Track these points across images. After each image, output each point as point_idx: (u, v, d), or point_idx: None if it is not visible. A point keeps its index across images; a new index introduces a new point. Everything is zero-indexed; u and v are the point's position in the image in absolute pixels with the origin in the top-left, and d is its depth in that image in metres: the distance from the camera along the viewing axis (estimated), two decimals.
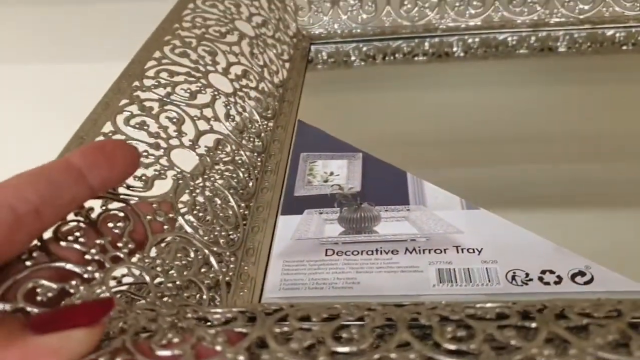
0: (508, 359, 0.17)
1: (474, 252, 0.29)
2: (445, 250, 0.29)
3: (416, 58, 0.52)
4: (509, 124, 0.41)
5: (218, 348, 0.19)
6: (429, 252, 0.29)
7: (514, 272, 0.28)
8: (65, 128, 0.30)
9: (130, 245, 0.25)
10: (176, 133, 0.32)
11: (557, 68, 0.48)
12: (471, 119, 0.41)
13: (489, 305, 0.20)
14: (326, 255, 0.30)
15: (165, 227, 0.27)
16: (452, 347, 0.18)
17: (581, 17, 0.51)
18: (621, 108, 0.41)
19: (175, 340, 0.19)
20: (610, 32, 0.50)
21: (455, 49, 0.52)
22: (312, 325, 0.20)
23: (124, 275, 0.26)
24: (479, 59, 0.51)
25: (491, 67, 0.50)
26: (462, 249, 0.29)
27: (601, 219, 0.32)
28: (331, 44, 0.53)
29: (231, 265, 0.29)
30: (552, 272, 0.28)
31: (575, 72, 0.47)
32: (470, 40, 0.52)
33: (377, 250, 0.30)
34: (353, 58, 0.52)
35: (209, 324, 0.21)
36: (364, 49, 0.53)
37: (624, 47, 0.49)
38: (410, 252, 0.30)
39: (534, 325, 0.19)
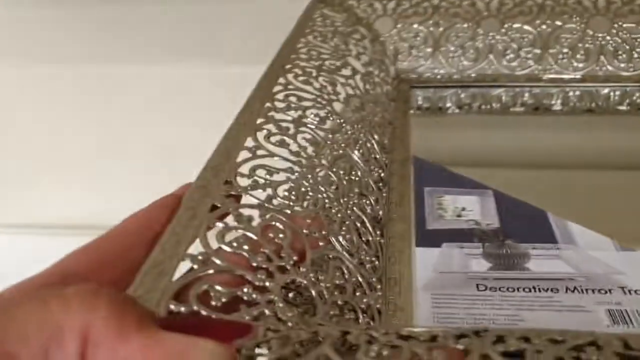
0: None
1: None
2: (610, 290, 0.27)
3: (512, 109, 0.51)
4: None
5: None
6: (593, 292, 0.27)
7: None
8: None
9: (294, 257, 0.23)
10: (314, 154, 0.31)
11: None
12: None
13: None
14: (478, 290, 0.28)
15: (320, 244, 0.25)
16: None
17: None
18: None
19: (385, 352, 0.17)
20: None
21: (554, 101, 0.51)
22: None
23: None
24: (577, 113, 0.50)
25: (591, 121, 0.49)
26: (629, 290, 0.27)
27: None
28: (429, 89, 0.52)
29: (379, 293, 0.27)
30: None
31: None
32: (570, 94, 0.51)
33: (534, 288, 0.28)
34: (449, 104, 0.52)
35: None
36: (462, 95, 0.52)
37: None
38: (572, 291, 0.27)
39: None
